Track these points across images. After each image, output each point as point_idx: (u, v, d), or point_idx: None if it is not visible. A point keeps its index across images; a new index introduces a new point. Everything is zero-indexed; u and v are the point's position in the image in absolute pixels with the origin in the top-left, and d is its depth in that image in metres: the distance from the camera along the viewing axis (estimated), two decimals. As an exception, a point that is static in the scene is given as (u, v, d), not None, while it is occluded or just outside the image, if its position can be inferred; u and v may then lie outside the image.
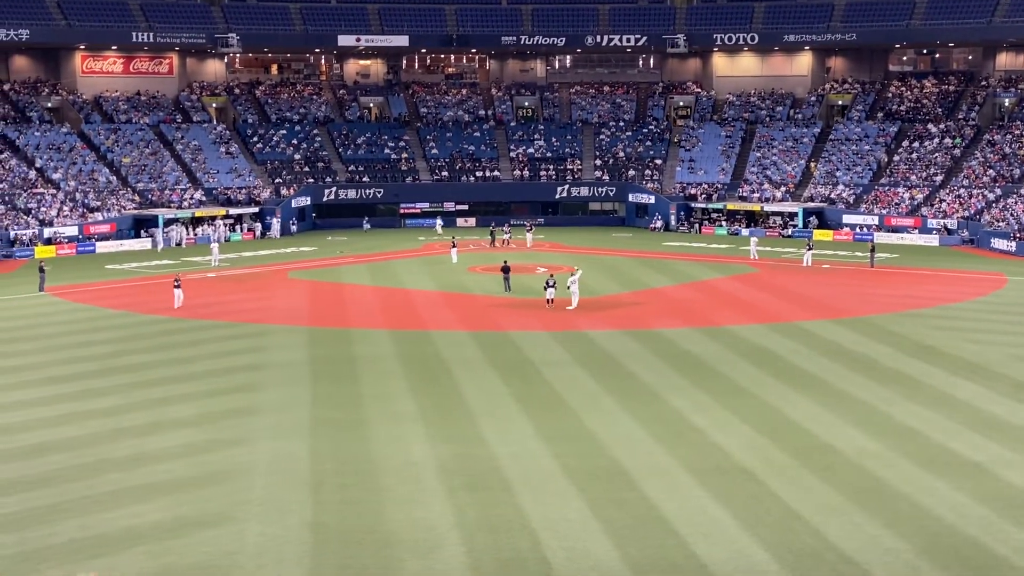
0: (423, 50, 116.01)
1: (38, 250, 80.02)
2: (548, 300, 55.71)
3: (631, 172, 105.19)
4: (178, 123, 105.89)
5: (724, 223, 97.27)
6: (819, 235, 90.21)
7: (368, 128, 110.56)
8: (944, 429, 32.87)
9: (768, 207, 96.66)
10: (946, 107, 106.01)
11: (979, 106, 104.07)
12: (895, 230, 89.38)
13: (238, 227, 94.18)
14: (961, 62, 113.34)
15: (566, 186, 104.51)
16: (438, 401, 36.55)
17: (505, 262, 63.64)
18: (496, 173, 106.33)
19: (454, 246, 76.52)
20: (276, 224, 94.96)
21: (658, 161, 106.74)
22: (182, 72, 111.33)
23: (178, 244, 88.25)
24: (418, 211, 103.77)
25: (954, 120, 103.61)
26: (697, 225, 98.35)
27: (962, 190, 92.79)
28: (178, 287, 56.37)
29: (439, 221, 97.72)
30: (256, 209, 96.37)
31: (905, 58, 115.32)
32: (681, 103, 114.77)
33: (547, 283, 56.44)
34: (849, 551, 23.41)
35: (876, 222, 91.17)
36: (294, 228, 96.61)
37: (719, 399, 36.54)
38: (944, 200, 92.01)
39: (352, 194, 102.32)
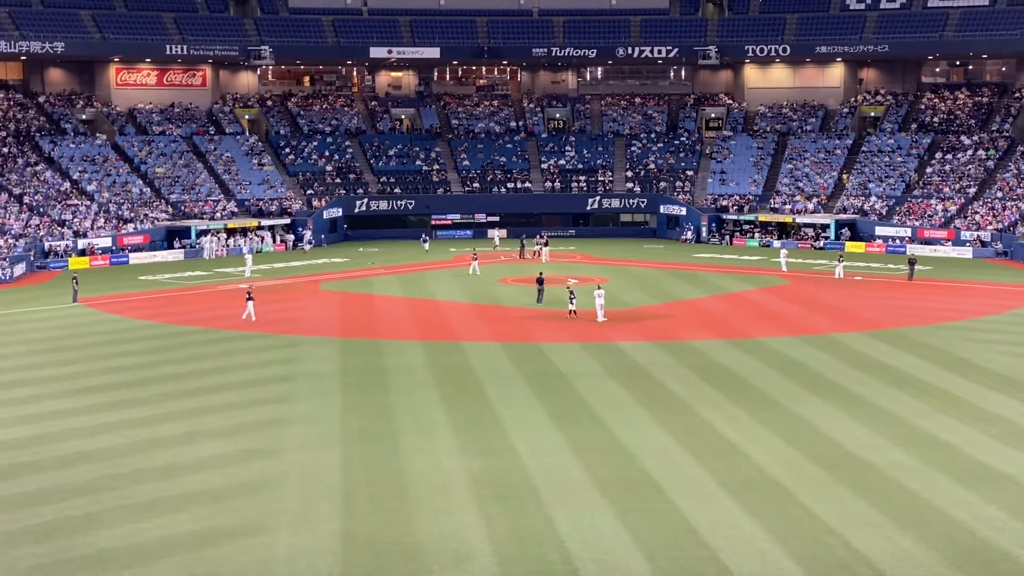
0: (454, 62, 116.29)
1: (72, 261, 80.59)
2: (571, 311, 55.73)
3: (662, 184, 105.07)
4: (211, 135, 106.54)
5: (756, 235, 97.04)
6: (851, 247, 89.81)
7: (399, 140, 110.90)
8: (977, 442, 32.68)
9: (800, 219, 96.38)
10: (979, 119, 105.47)
11: (1012, 118, 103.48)
12: (928, 242, 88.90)
13: (269, 238, 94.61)
14: (994, 74, 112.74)
15: (597, 197, 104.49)
16: (469, 412, 36.59)
17: (540, 274, 63.70)
18: (527, 185, 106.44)
19: (475, 258, 76.16)
20: (308, 235, 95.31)
21: (689, 172, 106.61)
22: (215, 84, 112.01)
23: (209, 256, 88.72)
24: (449, 222, 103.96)
25: (987, 132, 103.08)
26: (728, 237, 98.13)
27: (996, 202, 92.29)
28: (250, 299, 55.92)
29: (497, 233, 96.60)
30: (288, 220, 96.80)
31: (938, 70, 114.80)
32: (712, 115, 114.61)
33: (570, 294, 56.51)
34: (881, 564, 23.31)
35: (909, 234, 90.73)
36: (322, 240, 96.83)
37: (750, 411, 36.44)
38: (978, 212, 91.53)
39: (384, 205, 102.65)
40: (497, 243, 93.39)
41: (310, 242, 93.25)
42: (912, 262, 73.35)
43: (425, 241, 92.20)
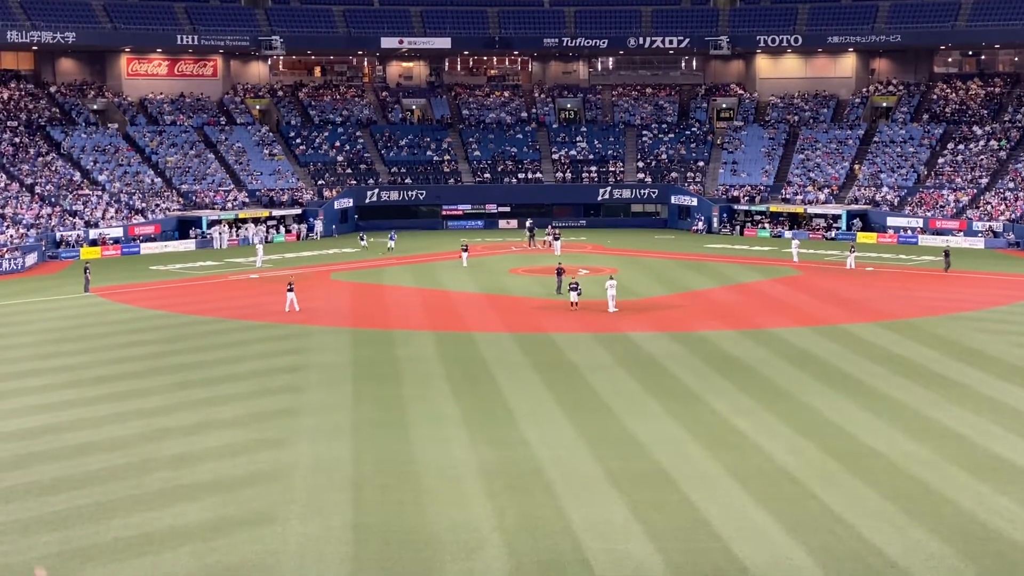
0: (465, 52, 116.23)
1: (83, 251, 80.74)
2: (572, 303, 55.65)
3: (673, 174, 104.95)
4: (222, 125, 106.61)
5: (767, 225, 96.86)
6: (863, 237, 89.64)
7: (410, 130, 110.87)
8: (989, 433, 32.60)
9: (811, 209, 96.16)
10: (992, 109, 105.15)
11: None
12: (940, 233, 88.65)
13: (281, 228, 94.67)
14: (1007, 64, 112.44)
15: (608, 188, 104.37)
16: (480, 403, 36.59)
17: (559, 264, 63.68)
18: (538, 175, 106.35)
19: (465, 250, 75.03)
20: (319, 226, 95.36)
21: (701, 163, 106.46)
22: (226, 74, 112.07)
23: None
24: (460, 213, 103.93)
25: (1000, 122, 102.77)
26: (739, 227, 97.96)
27: (1008, 192, 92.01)
28: (291, 291, 55.71)
29: (529, 222, 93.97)
30: (299, 211, 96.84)
31: (950, 60, 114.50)
32: (724, 105, 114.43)
33: (572, 286, 56.40)
34: (892, 555, 23.27)
35: (921, 225, 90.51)
36: (333, 230, 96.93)
37: (762, 402, 36.40)
38: (990, 203, 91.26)
39: (395, 196, 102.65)
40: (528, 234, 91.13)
41: (362, 238, 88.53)
42: (947, 253, 72.74)
43: (392, 239, 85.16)
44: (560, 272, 61.71)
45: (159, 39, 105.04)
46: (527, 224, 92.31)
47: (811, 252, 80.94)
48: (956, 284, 65.73)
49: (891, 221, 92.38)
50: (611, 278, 56.90)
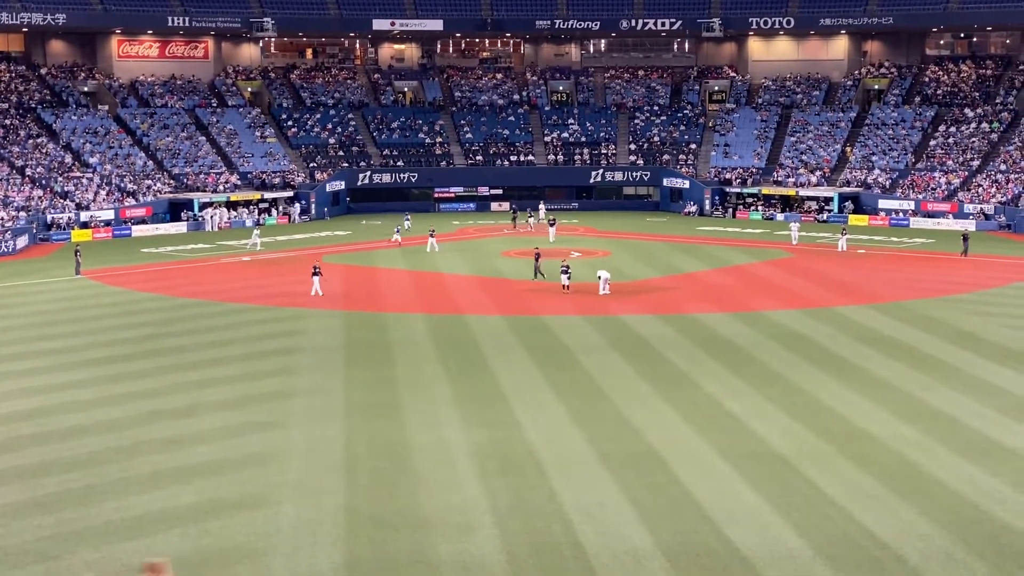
0: (457, 34, 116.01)
1: (74, 234, 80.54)
2: (564, 286, 55.54)
3: (666, 157, 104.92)
4: (213, 107, 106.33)
5: (759, 208, 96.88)
6: (854, 220, 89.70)
7: (402, 112, 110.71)
8: (981, 415, 32.65)
9: (803, 192, 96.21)
10: (983, 91, 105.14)
11: (1016, 90, 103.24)
12: (931, 215, 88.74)
13: (273, 211, 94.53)
14: (999, 46, 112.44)
15: (600, 170, 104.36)
16: (472, 385, 36.57)
17: (537, 249, 63.54)
18: (530, 157, 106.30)
19: (432, 235, 73.83)
20: (301, 208, 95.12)
21: (693, 146, 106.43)
22: (217, 56, 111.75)
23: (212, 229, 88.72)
24: (452, 195, 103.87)
25: (991, 105, 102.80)
26: (731, 210, 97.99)
27: (999, 175, 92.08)
28: (316, 275, 55.12)
29: (543, 205, 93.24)
30: (291, 193, 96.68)
31: (942, 42, 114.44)
32: (716, 87, 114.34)
33: (563, 269, 56.32)
34: (884, 537, 23.30)
35: (912, 207, 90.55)
36: (325, 213, 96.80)
37: (753, 384, 36.41)
38: (981, 185, 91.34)
39: (387, 178, 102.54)
40: (542, 217, 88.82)
41: (397, 229, 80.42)
42: (966, 237, 71.70)
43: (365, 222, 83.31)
44: (537, 257, 61.37)
45: (150, 21, 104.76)
46: (540, 208, 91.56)
47: (802, 234, 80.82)
48: (947, 267, 65.78)
49: (883, 203, 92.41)
50: (604, 270, 56.54)
